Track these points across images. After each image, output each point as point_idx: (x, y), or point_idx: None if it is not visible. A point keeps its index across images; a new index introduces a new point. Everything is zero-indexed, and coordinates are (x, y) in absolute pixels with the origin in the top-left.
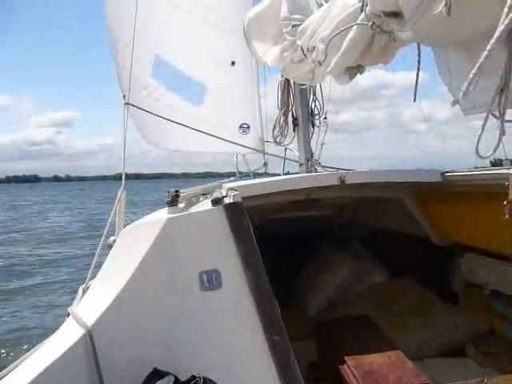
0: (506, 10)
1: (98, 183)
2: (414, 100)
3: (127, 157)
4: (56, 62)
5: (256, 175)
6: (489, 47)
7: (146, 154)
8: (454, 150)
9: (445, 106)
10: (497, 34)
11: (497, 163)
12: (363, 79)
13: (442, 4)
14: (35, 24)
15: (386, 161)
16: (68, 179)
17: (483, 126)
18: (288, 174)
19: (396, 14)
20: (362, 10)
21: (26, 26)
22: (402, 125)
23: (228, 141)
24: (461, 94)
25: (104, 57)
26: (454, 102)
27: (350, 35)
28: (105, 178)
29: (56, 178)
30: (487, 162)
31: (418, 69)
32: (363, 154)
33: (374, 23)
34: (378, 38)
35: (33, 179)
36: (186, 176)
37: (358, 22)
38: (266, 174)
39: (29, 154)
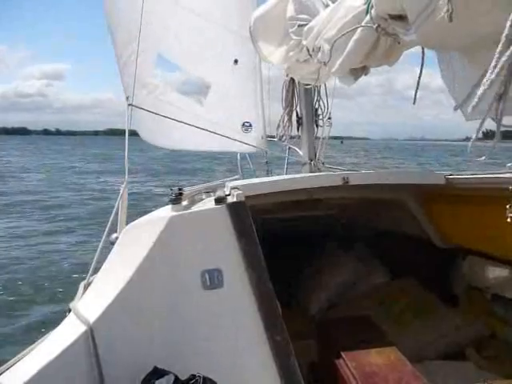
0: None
1: (89, 138)
2: (414, 102)
3: (122, 112)
4: (52, 15)
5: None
6: (497, 55)
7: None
8: (448, 118)
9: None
10: (502, 43)
11: (488, 134)
12: None
13: (444, 10)
14: None
15: (379, 127)
16: (58, 133)
17: (478, 130)
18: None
19: (401, 17)
20: (367, 12)
21: None
22: (397, 91)
23: (233, 139)
24: (469, 108)
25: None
26: (456, 107)
27: (355, 37)
28: (96, 133)
29: (46, 132)
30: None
31: (421, 71)
32: (359, 119)
33: (379, 25)
34: (383, 40)
35: (22, 131)
36: None
37: (363, 24)
38: (269, 173)
39: (19, 105)
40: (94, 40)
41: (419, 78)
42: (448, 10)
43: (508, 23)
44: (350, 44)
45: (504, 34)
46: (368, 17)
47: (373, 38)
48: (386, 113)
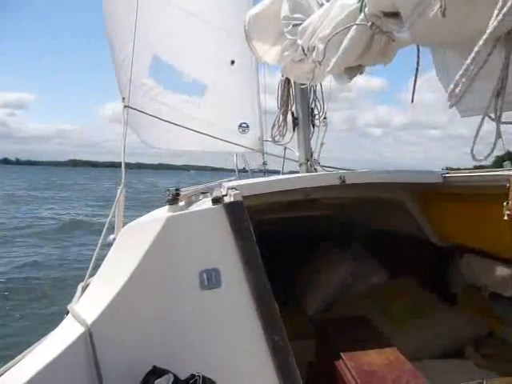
0: (496, 11)
1: (52, 168)
2: (412, 101)
3: (87, 144)
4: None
5: (255, 173)
6: (476, 49)
7: (101, 143)
8: (409, 156)
9: (402, 113)
10: (484, 37)
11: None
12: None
13: (437, 6)
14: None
15: (344, 163)
16: (18, 162)
17: (478, 128)
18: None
19: (395, 15)
20: (360, 10)
21: None
22: (359, 128)
23: (227, 141)
24: (451, 93)
25: (65, 43)
26: (451, 104)
27: (349, 35)
28: (58, 163)
29: (6, 161)
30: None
31: (417, 70)
32: (325, 155)
33: (373, 23)
34: (378, 39)
35: None
36: (139, 167)
37: (357, 22)
38: (266, 173)
39: None
40: (58, 71)
41: (416, 76)
42: (441, 6)
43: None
44: (345, 43)
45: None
46: (362, 15)
47: (367, 36)
48: (349, 149)
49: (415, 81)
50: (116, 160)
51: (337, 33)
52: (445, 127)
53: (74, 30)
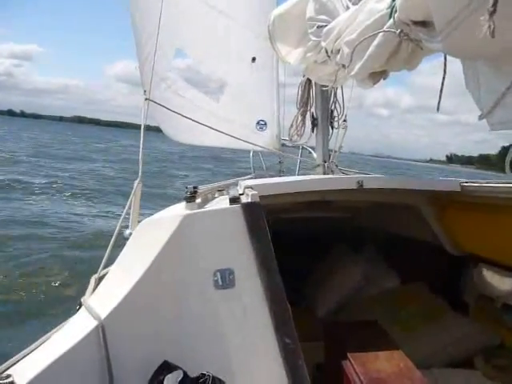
0: None
1: (54, 123)
2: (438, 109)
3: (88, 101)
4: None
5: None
6: None
7: (106, 101)
8: (414, 139)
9: (408, 95)
10: None
11: (452, 158)
12: None
13: (486, 26)
14: None
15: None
16: (23, 115)
17: None
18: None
19: (425, 23)
20: (390, 17)
21: None
22: (366, 107)
23: (245, 140)
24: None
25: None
26: (482, 117)
27: (377, 41)
28: (61, 118)
29: (10, 113)
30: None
31: (444, 78)
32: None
33: (401, 31)
34: (405, 45)
35: None
36: (149, 129)
37: (385, 28)
38: (282, 172)
39: None
40: (69, 27)
41: (442, 84)
42: (490, 27)
43: None
44: (371, 48)
45: None
46: (391, 21)
47: (394, 43)
48: (354, 127)
49: (441, 90)
50: (119, 119)
51: (365, 38)
52: (452, 113)
53: None
